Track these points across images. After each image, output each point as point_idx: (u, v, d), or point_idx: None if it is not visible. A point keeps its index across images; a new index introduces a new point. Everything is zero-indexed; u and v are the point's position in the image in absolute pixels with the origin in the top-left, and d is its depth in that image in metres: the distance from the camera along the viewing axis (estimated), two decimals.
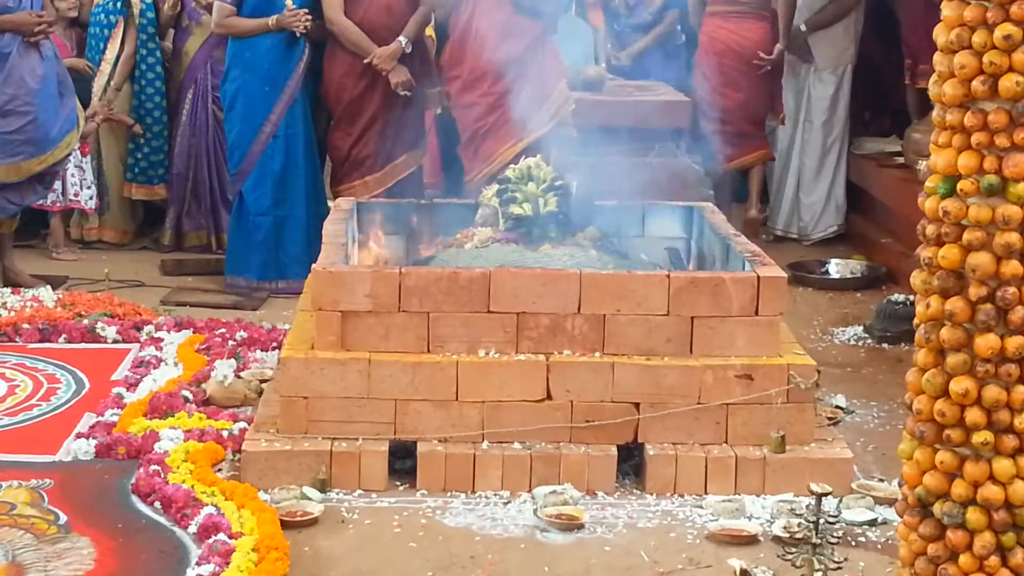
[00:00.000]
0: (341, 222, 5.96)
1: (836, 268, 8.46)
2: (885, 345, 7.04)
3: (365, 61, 7.48)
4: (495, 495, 5.04)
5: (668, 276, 5.24)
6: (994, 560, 3.33)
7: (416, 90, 7.61)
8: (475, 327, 5.20)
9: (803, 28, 9.12)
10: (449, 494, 5.04)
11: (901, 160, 8.82)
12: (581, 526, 4.80)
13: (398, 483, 5.11)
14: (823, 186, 9.29)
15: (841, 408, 5.99)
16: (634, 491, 5.13)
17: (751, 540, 4.71)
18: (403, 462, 5.18)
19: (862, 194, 9.28)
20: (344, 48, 7.55)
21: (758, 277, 5.23)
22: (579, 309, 5.21)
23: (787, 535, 4.45)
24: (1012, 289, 3.25)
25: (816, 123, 9.29)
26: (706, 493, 5.06)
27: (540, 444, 5.13)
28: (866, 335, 7.18)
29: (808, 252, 9.00)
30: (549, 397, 5.15)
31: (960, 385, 3.31)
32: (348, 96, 7.58)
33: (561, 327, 5.21)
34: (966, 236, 3.28)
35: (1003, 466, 3.31)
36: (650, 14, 9.91)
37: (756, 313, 5.22)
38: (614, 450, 5.14)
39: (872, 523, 4.81)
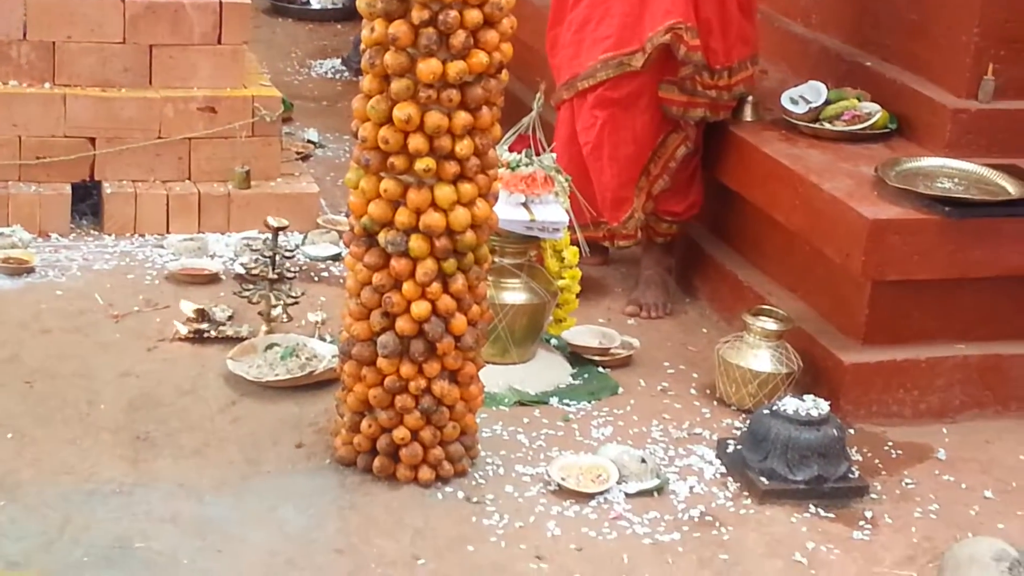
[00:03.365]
0: None
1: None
2: (362, 78, 6.93)
3: None
4: None
5: (123, 1, 4.88)
6: (436, 287, 3.34)
7: None
8: None
9: None
10: None
11: None
12: (31, 270, 4.51)
13: None
14: None
15: (313, 142, 5.88)
16: (92, 232, 4.86)
17: (212, 279, 4.56)
18: None
19: None
20: None
21: (220, 3, 4.96)
22: (25, 35, 4.80)
23: (245, 272, 4.32)
24: (454, 13, 3.18)
25: None
26: (168, 232, 4.86)
27: None
28: (344, 68, 7.07)
29: None
30: None
31: (403, 111, 3.25)
32: None
33: (5, 55, 4.80)
34: None
35: (445, 193, 3.29)
36: None
37: (219, 42, 4.97)
38: (68, 189, 4.83)
39: (336, 257, 4.76)
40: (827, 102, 4.50)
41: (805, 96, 4.54)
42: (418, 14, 3.19)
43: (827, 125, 4.46)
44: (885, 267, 3.92)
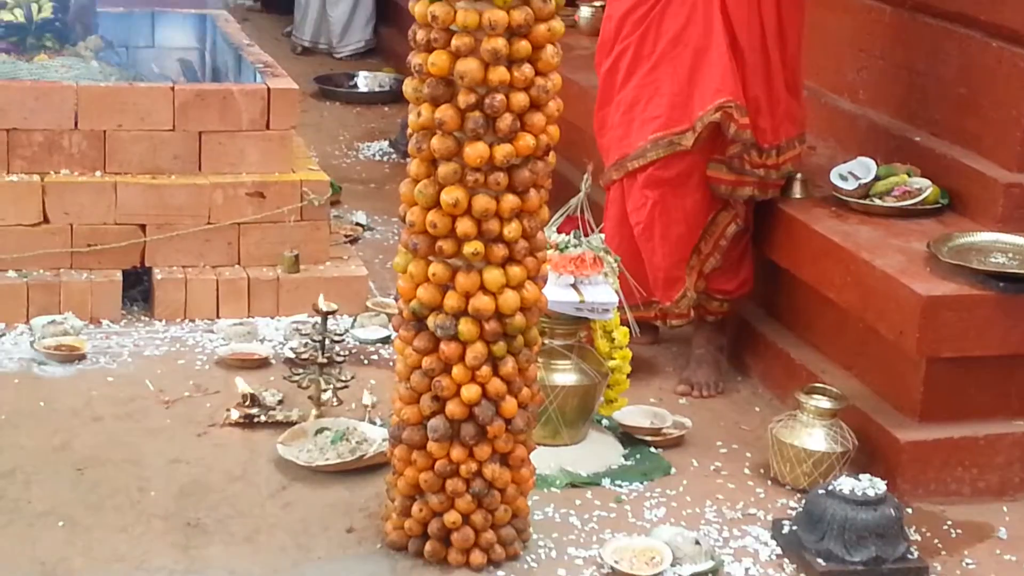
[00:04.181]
0: None
1: (364, 82, 8.32)
2: (409, 161, 6.96)
3: None
4: None
5: (172, 89, 4.94)
6: (486, 370, 3.32)
7: None
8: None
9: None
10: None
11: None
12: (83, 357, 4.52)
13: None
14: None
15: (361, 225, 5.90)
16: (142, 318, 4.88)
17: (262, 363, 4.56)
18: None
19: (394, 6, 9.13)
20: None
21: (268, 89, 5.01)
22: (76, 125, 4.85)
23: (295, 356, 4.32)
24: (500, 96, 3.19)
25: None
26: (218, 317, 4.88)
27: (38, 271, 4.79)
28: (392, 150, 7.11)
29: (338, 65, 8.81)
30: (46, 220, 4.81)
31: (451, 195, 3.25)
32: None
33: (57, 145, 4.85)
34: (454, 42, 3.18)
35: (493, 276, 3.28)
36: None
37: (267, 127, 5.01)
38: (119, 275, 4.86)
39: (386, 340, 4.75)
40: (877, 178, 4.48)
41: (854, 172, 4.52)
42: (464, 98, 3.20)
43: (877, 201, 4.43)
44: (940, 344, 3.88)
